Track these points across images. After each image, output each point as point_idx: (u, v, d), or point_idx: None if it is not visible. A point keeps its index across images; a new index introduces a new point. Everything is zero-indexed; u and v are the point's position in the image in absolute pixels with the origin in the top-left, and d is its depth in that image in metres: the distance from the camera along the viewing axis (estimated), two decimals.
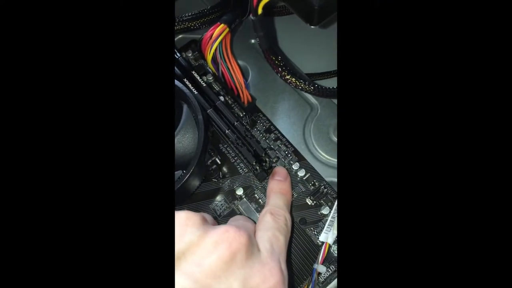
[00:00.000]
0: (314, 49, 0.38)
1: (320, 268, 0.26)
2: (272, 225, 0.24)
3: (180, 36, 0.36)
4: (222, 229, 0.19)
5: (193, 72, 0.31)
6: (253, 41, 0.36)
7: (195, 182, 0.29)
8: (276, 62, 0.26)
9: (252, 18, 0.20)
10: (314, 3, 0.19)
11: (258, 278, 0.19)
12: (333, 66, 0.37)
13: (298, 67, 0.35)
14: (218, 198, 0.31)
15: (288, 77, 0.26)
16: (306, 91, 0.28)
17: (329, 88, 0.27)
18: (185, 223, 0.19)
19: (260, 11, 0.19)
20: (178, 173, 0.28)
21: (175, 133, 0.29)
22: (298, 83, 0.26)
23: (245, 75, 0.34)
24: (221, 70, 0.30)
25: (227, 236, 0.19)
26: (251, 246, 0.20)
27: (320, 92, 0.27)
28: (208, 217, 0.22)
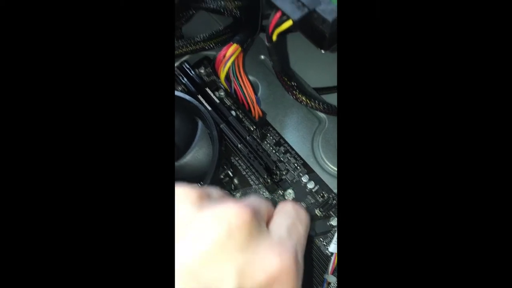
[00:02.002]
0: (321, 63, 0.39)
1: (331, 278, 0.27)
2: (293, 214, 0.20)
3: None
4: (222, 205, 0.16)
5: (207, 89, 0.33)
6: (262, 57, 0.37)
7: None
8: (288, 82, 0.27)
9: (268, 44, 0.21)
10: (325, 31, 0.20)
11: (261, 264, 0.15)
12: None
13: (304, 80, 0.36)
14: None
15: (299, 96, 0.27)
16: (318, 110, 0.29)
17: None
18: (180, 199, 0.16)
19: (274, 38, 0.21)
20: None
21: (191, 147, 0.30)
22: (308, 101, 0.27)
23: (255, 89, 0.36)
24: (234, 87, 0.32)
25: (226, 213, 0.16)
26: (257, 226, 0.16)
27: (332, 111, 0.28)
28: (217, 192, 0.19)
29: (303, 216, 0.21)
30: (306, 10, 0.20)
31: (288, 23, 0.20)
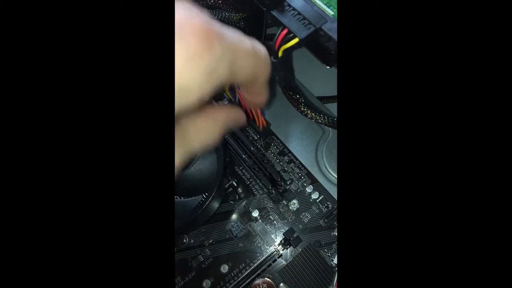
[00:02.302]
0: (326, 71, 0.39)
1: None
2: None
3: None
4: None
5: (212, 100, 0.33)
6: None
7: (214, 206, 0.30)
8: (294, 97, 0.27)
9: (273, 60, 0.21)
10: (331, 49, 0.20)
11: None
12: None
13: (309, 90, 0.36)
14: (234, 219, 0.32)
15: (304, 109, 0.27)
16: (323, 124, 0.29)
17: None
18: None
19: (280, 54, 0.21)
20: (199, 198, 0.29)
21: (195, 158, 0.30)
22: (314, 115, 0.27)
23: None
24: (238, 97, 0.32)
25: None
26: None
27: (336, 125, 0.28)
28: None
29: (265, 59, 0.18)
30: (312, 28, 0.20)
31: (294, 41, 0.20)
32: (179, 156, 0.17)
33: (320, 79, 0.39)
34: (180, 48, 0.14)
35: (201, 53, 0.15)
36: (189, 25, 0.15)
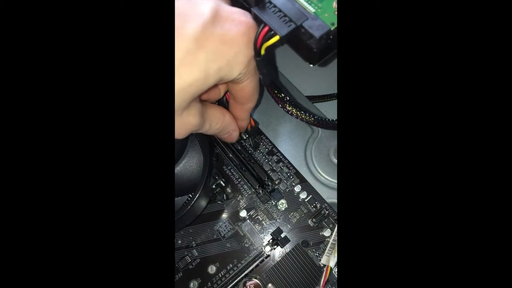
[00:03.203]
0: (314, 71, 0.39)
1: None
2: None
3: None
4: None
5: None
6: None
7: (201, 206, 0.30)
8: (279, 95, 0.27)
9: (257, 58, 0.21)
10: (313, 47, 0.20)
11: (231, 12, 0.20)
12: (333, 89, 0.39)
13: (298, 89, 0.36)
14: (223, 219, 0.32)
15: (289, 108, 0.27)
16: (309, 123, 0.29)
17: (330, 120, 0.28)
18: None
19: (263, 52, 0.20)
20: (185, 198, 0.29)
21: (181, 158, 0.30)
22: (299, 114, 0.27)
23: None
24: (225, 97, 0.31)
25: None
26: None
27: (321, 124, 0.28)
28: None
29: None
30: (293, 25, 0.20)
31: (275, 38, 0.20)
32: (196, 120, 0.23)
33: (310, 78, 0.39)
34: (240, 33, 0.20)
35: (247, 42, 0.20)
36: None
